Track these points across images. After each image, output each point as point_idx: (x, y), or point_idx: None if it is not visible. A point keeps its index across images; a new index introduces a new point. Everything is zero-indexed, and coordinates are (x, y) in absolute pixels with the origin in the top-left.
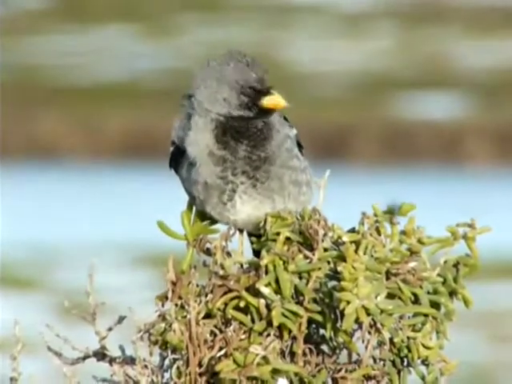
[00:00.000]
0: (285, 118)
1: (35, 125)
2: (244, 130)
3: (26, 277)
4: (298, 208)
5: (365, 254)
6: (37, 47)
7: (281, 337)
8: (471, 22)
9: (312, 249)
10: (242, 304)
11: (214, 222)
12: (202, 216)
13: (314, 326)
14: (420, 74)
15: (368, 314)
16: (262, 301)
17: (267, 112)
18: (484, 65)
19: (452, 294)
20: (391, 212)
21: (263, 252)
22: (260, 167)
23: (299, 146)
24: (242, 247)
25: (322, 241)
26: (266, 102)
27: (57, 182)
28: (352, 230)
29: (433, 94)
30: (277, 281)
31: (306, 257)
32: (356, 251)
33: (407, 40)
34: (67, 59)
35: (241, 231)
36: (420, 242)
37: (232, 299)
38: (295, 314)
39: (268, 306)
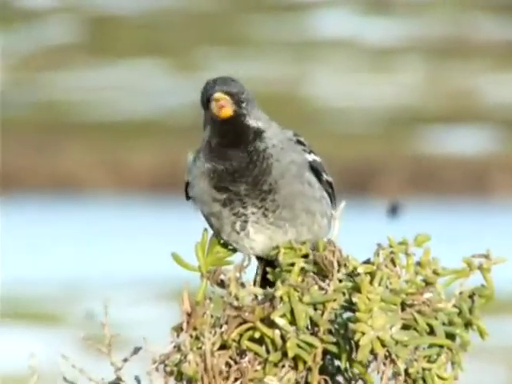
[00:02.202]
0: (299, 142)
1: (61, 159)
2: (233, 171)
3: (50, 311)
4: (312, 238)
5: (380, 285)
6: (64, 82)
7: (296, 368)
8: (498, 57)
9: (327, 280)
10: (256, 335)
11: (232, 250)
12: (220, 245)
13: (329, 357)
14: (447, 109)
15: (383, 346)
16: (277, 332)
17: (226, 123)
18: (511, 99)
19: (467, 325)
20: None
21: (278, 283)
22: (267, 198)
23: (317, 173)
24: (258, 277)
25: (338, 272)
26: (213, 106)
27: (81, 218)
28: (367, 262)
29: (460, 129)
30: (292, 312)
31: (320, 288)
32: (371, 282)
33: (434, 75)
34: (94, 94)
35: (259, 260)
36: (435, 273)
37: (247, 330)
38: (310, 345)
39: (283, 337)
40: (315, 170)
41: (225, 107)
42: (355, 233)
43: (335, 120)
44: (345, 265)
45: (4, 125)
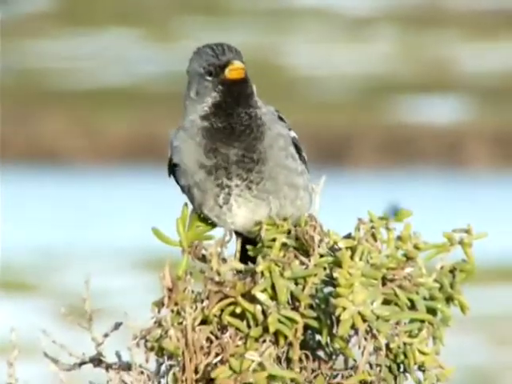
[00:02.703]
0: (280, 118)
1: (37, 128)
2: (231, 131)
3: (27, 281)
4: (295, 213)
5: (361, 259)
6: (39, 51)
7: (277, 343)
8: (472, 26)
9: (308, 255)
10: (238, 310)
11: (212, 225)
12: (201, 219)
13: (310, 332)
14: (421, 78)
15: (364, 320)
16: (259, 307)
17: (235, 85)
18: (485, 68)
19: (448, 299)
20: (389, 216)
21: (259, 258)
22: (253, 169)
23: (297, 149)
24: (238, 253)
25: (318, 247)
26: (228, 72)
27: (58, 185)
28: (348, 236)
29: (434, 98)
30: (273, 287)
31: (302, 263)
32: (352, 257)
33: (408, 44)
34: (69, 63)
35: (238, 235)
36: (416, 247)
37: (228, 305)
38: (291, 320)
39: (264, 312)
40: (296, 146)
41: (239, 65)
42: (332, 203)
43: (310, 89)
44: (325, 240)
45: None
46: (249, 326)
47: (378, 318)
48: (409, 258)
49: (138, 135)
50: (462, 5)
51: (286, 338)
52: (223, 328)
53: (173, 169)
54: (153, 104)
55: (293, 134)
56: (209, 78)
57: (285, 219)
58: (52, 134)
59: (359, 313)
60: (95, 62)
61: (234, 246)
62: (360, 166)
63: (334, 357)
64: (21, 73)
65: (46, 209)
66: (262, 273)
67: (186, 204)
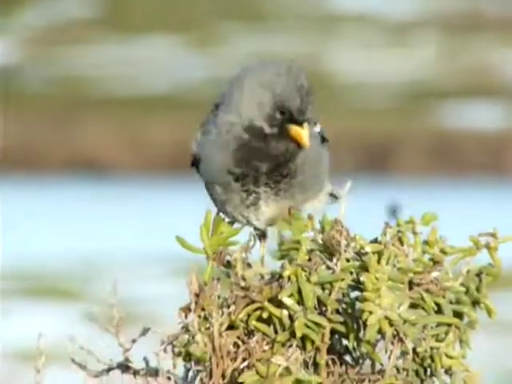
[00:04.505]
0: (323, 139)
1: (79, 136)
2: (266, 152)
3: (67, 288)
4: (316, 205)
5: (387, 264)
6: (81, 58)
7: (304, 348)
8: None
9: (333, 258)
10: (264, 315)
11: (236, 231)
12: (225, 224)
13: (336, 336)
14: (464, 84)
15: (391, 325)
16: (285, 312)
17: (287, 139)
18: None
19: (475, 303)
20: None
21: (285, 263)
22: (282, 181)
23: (325, 140)
24: (263, 258)
25: (345, 251)
26: (294, 131)
27: (99, 194)
28: (375, 241)
29: (477, 104)
30: (299, 292)
31: (328, 267)
32: (378, 261)
33: (452, 49)
34: (112, 69)
35: (263, 237)
36: (442, 251)
37: (255, 310)
38: (318, 324)
39: (291, 317)
40: (323, 138)
41: (306, 140)
42: (375, 208)
43: (354, 95)
44: (351, 245)
45: (21, 101)
46: (275, 331)
47: (404, 322)
48: (435, 262)
49: (180, 143)
50: (505, 10)
51: (312, 342)
52: (250, 333)
53: (197, 166)
54: (195, 111)
55: (318, 128)
56: (278, 115)
57: (309, 217)
58: (94, 143)
59: (386, 317)
60: (137, 68)
61: (258, 251)
62: (404, 172)
63: (360, 361)
64: (63, 80)
65: (87, 218)
66: (289, 277)
67: (208, 210)
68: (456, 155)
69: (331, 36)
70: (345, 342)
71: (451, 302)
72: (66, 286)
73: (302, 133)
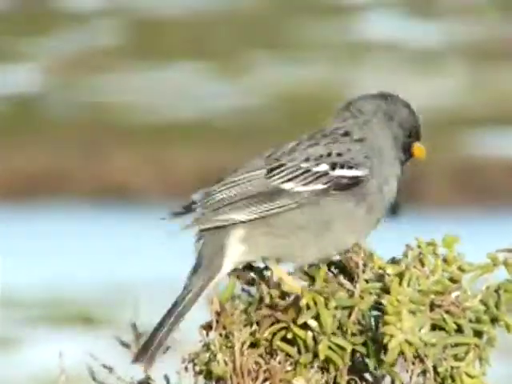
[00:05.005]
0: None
1: (105, 164)
2: None
3: (94, 314)
4: None
5: (408, 286)
6: (110, 85)
7: (327, 369)
8: None
9: (352, 279)
10: (289, 335)
11: None
12: None
13: (357, 355)
14: (491, 112)
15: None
16: (310, 333)
17: (411, 159)
18: None
19: (494, 320)
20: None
21: (303, 290)
22: None
23: None
24: (288, 278)
25: (363, 272)
26: (416, 149)
27: (127, 221)
28: (393, 260)
29: (504, 132)
30: (318, 316)
31: (347, 289)
32: (400, 283)
33: (478, 77)
34: (139, 97)
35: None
36: (461, 269)
37: (279, 330)
38: (341, 347)
39: (315, 339)
40: None
41: (424, 153)
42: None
43: None
44: (369, 265)
45: (49, 128)
46: (299, 352)
47: (425, 344)
48: (454, 280)
49: (206, 170)
50: None
51: (334, 364)
52: (271, 352)
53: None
54: (221, 139)
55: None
56: (405, 141)
57: None
58: (120, 170)
59: (407, 340)
60: (163, 96)
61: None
62: (430, 201)
63: (381, 380)
64: (89, 108)
65: (116, 244)
66: (307, 304)
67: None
68: (483, 183)
69: (358, 64)
70: (365, 360)
71: (471, 321)
72: (93, 313)
73: (422, 148)
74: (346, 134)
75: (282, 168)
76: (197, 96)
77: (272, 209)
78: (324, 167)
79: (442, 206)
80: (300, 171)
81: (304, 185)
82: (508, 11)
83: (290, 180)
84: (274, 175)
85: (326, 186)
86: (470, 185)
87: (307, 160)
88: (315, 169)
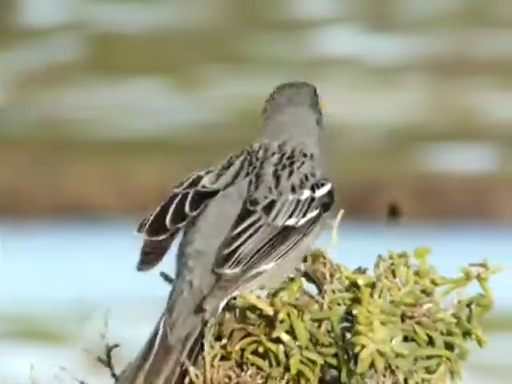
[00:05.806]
0: None
1: (64, 179)
2: None
3: (57, 331)
4: None
5: (380, 297)
6: (68, 100)
7: (297, 382)
8: (501, 74)
9: (320, 290)
10: (260, 349)
11: None
12: None
13: (327, 367)
14: (451, 127)
15: (382, 358)
16: (281, 347)
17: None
18: None
19: (466, 334)
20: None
21: (276, 302)
22: None
23: None
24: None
25: (331, 283)
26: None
27: (87, 238)
28: (359, 270)
29: (464, 147)
30: (292, 329)
31: (316, 301)
32: (371, 294)
33: (438, 92)
34: (98, 112)
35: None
36: (433, 282)
37: (250, 344)
38: (313, 361)
39: (286, 353)
40: None
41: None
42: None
43: (338, 137)
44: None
45: (7, 143)
46: (270, 365)
47: (397, 355)
48: (426, 293)
49: (166, 185)
50: (491, 53)
51: (306, 377)
52: (242, 365)
53: None
54: (182, 154)
55: None
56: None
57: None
58: (80, 186)
59: (378, 351)
60: (123, 111)
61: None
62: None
63: None
64: (47, 123)
65: (74, 261)
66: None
67: None
68: (441, 198)
69: (317, 79)
70: (334, 371)
71: (442, 333)
72: (56, 329)
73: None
74: (301, 152)
75: (276, 205)
76: (156, 111)
77: (289, 248)
78: (307, 193)
79: (402, 219)
80: (294, 204)
81: (303, 216)
82: (466, 24)
83: (290, 216)
84: (275, 215)
85: (318, 211)
86: (429, 200)
87: (293, 190)
88: (303, 197)
